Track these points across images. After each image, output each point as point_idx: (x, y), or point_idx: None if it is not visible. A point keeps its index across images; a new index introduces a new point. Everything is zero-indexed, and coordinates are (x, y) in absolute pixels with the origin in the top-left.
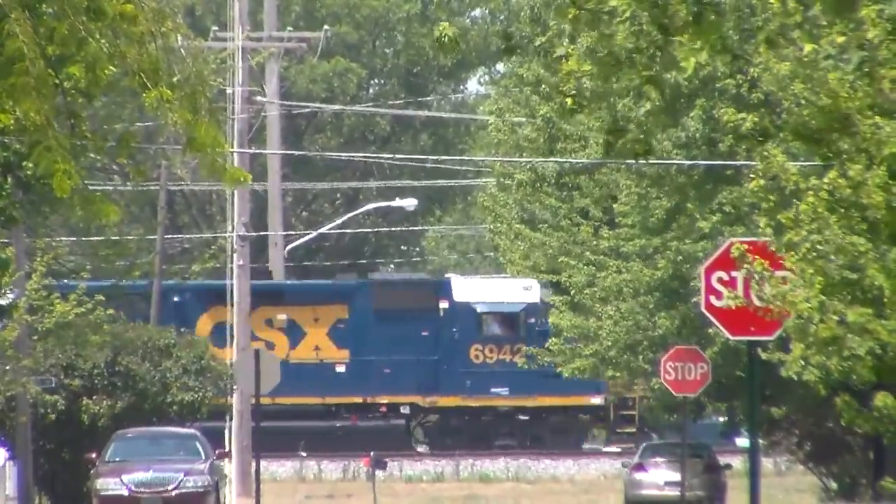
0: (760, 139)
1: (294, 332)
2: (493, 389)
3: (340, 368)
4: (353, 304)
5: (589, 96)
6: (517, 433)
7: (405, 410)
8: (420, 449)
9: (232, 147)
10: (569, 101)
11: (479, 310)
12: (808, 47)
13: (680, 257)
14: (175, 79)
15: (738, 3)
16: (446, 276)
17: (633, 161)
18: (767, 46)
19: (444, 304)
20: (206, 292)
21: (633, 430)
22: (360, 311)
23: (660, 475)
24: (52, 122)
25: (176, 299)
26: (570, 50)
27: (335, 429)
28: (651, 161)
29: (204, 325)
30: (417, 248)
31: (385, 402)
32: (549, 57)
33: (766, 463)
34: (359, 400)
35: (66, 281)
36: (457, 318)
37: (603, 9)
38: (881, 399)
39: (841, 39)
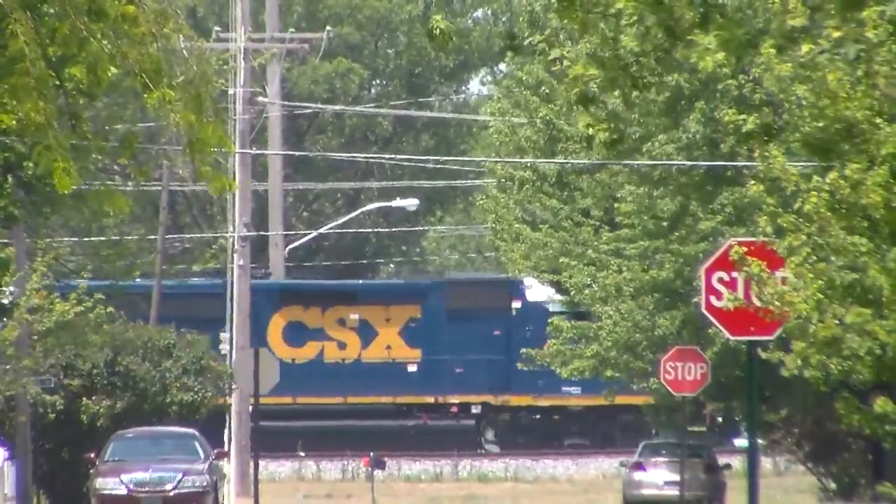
0: (766, 138)
1: (366, 332)
2: (564, 389)
3: (412, 368)
4: (426, 303)
5: (593, 96)
6: (588, 432)
7: (476, 410)
8: (490, 449)
9: (234, 147)
10: (575, 91)
11: (551, 309)
12: (805, 47)
13: (681, 260)
14: (179, 80)
15: (741, 4)
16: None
17: (617, 161)
18: (777, 52)
19: (516, 304)
20: (279, 292)
21: (704, 428)
22: (432, 310)
23: (659, 475)
24: (52, 121)
25: None
26: (565, 52)
27: (406, 428)
28: (650, 162)
29: (276, 324)
30: (418, 249)
31: (456, 401)
32: (545, 57)
33: (766, 463)
34: (430, 400)
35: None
36: (529, 318)
37: (609, 11)
38: (881, 405)
39: (837, 34)
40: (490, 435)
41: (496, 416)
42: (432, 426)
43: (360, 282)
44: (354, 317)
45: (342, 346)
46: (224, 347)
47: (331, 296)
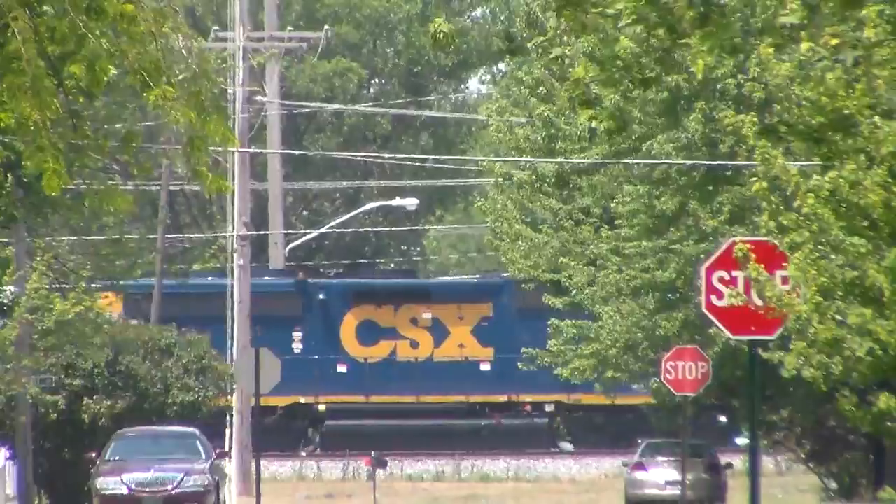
0: (779, 137)
1: (439, 331)
2: (636, 387)
3: (485, 367)
4: (498, 302)
5: (596, 98)
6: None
7: (549, 409)
8: (564, 447)
9: (238, 143)
10: (577, 94)
11: None
12: (804, 45)
13: (682, 260)
14: (180, 77)
15: (740, 3)
16: None
17: (616, 161)
18: (775, 50)
19: None
20: (352, 290)
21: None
22: (504, 309)
23: (660, 474)
24: (46, 121)
25: (321, 297)
26: (566, 50)
27: (479, 427)
28: (650, 161)
29: (349, 323)
30: (418, 248)
31: (529, 400)
32: (546, 57)
33: (767, 462)
34: (503, 399)
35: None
36: None
37: (608, 11)
38: (885, 400)
39: (834, 42)
40: (563, 434)
41: (570, 414)
42: (506, 425)
43: (432, 280)
44: (427, 315)
45: (415, 344)
46: (297, 346)
47: (403, 294)
